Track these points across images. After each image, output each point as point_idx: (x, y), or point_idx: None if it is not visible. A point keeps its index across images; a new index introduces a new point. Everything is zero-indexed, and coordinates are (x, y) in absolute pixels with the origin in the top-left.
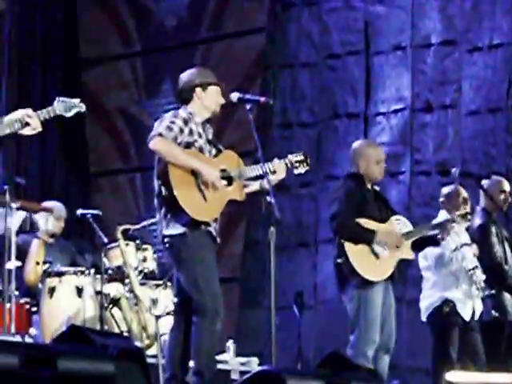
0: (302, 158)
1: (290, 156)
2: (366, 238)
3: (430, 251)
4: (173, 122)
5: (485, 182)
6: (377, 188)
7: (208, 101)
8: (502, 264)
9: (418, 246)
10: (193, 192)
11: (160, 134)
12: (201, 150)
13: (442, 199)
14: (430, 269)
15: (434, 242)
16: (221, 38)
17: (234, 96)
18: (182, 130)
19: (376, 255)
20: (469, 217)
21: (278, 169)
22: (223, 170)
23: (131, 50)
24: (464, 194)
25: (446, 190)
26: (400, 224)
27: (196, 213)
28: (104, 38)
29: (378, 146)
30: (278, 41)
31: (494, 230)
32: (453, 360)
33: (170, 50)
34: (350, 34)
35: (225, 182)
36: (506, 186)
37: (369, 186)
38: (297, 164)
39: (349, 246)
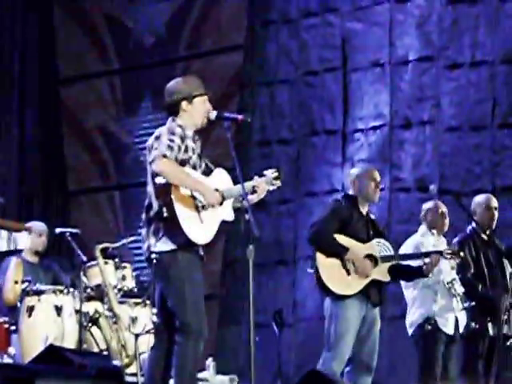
0: (277, 174)
1: (267, 173)
2: (336, 251)
3: None
4: (172, 141)
5: (474, 200)
6: (372, 216)
7: (195, 113)
8: (470, 279)
9: (404, 277)
10: (191, 214)
11: (164, 156)
12: (194, 167)
13: (422, 214)
14: (409, 284)
15: (420, 273)
16: (199, 56)
17: (212, 114)
18: (179, 148)
19: (347, 271)
20: (461, 254)
21: (259, 188)
22: (216, 190)
23: (110, 68)
24: (443, 208)
25: (426, 205)
26: (380, 246)
27: (193, 235)
28: (82, 55)
29: (372, 169)
30: (257, 58)
31: (469, 245)
32: (436, 377)
33: (149, 68)
34: (328, 50)
35: None
36: (493, 203)
37: (362, 210)
38: (273, 181)
39: (320, 258)
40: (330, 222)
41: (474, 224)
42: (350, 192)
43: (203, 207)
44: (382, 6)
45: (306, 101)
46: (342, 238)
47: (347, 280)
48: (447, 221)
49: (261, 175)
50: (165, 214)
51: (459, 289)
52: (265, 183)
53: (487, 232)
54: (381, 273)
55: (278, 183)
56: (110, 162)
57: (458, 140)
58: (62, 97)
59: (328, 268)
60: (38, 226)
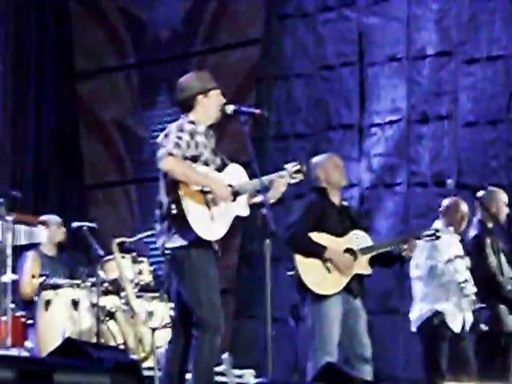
0: (299, 167)
1: (288, 167)
2: (315, 251)
3: (423, 261)
4: (180, 138)
5: (481, 194)
6: (345, 203)
7: (211, 107)
8: (496, 275)
9: (383, 263)
10: (202, 210)
11: (170, 153)
12: (206, 162)
13: (441, 209)
14: (421, 279)
15: (400, 258)
16: (215, 50)
17: (229, 108)
18: (188, 145)
19: (328, 269)
20: (438, 234)
21: (278, 183)
22: (229, 186)
23: (126, 62)
24: (463, 209)
25: (446, 201)
26: (358, 239)
27: (203, 232)
28: (99, 50)
29: (333, 155)
30: (273, 52)
31: (489, 241)
32: (443, 371)
33: (165, 62)
34: (345, 45)
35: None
36: (503, 197)
37: (334, 200)
38: (294, 175)
39: (299, 259)
40: (304, 222)
41: (479, 216)
42: (317, 184)
43: (214, 202)
44: (400, 0)
45: (323, 95)
46: (318, 236)
47: (329, 279)
48: (465, 222)
49: (282, 169)
50: (174, 211)
51: (471, 289)
52: (284, 179)
53: (490, 226)
54: (361, 266)
55: (300, 176)
56: (126, 156)
57: (475, 135)
58: (79, 91)
59: (308, 268)
60: (54, 218)
